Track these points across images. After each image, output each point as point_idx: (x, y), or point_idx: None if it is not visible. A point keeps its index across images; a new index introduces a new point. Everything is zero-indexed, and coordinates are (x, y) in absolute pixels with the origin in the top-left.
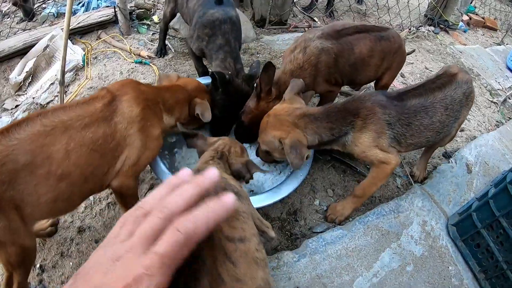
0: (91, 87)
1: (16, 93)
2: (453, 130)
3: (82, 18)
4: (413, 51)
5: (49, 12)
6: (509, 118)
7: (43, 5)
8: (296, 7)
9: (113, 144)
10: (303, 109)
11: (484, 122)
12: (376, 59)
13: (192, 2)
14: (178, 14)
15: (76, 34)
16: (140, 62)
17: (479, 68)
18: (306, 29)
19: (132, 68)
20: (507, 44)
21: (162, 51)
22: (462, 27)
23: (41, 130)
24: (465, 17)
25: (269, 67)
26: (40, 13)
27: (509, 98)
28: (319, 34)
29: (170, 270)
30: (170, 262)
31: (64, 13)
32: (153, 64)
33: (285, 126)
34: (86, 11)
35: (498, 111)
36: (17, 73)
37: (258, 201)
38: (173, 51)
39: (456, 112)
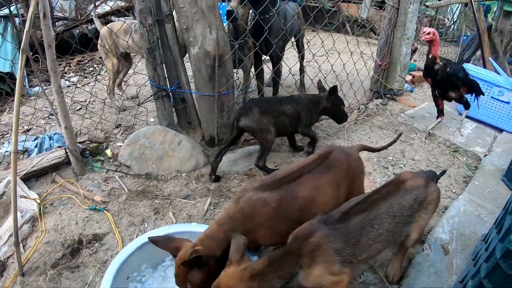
0: (48, 242)
1: None
2: (413, 233)
3: (36, 161)
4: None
5: (6, 151)
6: (475, 167)
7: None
8: None
9: None
10: (250, 268)
11: (451, 185)
12: (330, 190)
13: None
14: (129, 150)
15: (31, 177)
16: (95, 209)
17: (434, 127)
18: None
19: (87, 217)
20: None
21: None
22: (408, 88)
23: None
24: (408, 77)
25: None
26: None
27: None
28: (256, 185)
29: None
30: None
31: (22, 150)
32: (106, 210)
33: None
34: (39, 151)
35: (462, 163)
36: None
37: None
38: (126, 190)
39: (407, 217)
